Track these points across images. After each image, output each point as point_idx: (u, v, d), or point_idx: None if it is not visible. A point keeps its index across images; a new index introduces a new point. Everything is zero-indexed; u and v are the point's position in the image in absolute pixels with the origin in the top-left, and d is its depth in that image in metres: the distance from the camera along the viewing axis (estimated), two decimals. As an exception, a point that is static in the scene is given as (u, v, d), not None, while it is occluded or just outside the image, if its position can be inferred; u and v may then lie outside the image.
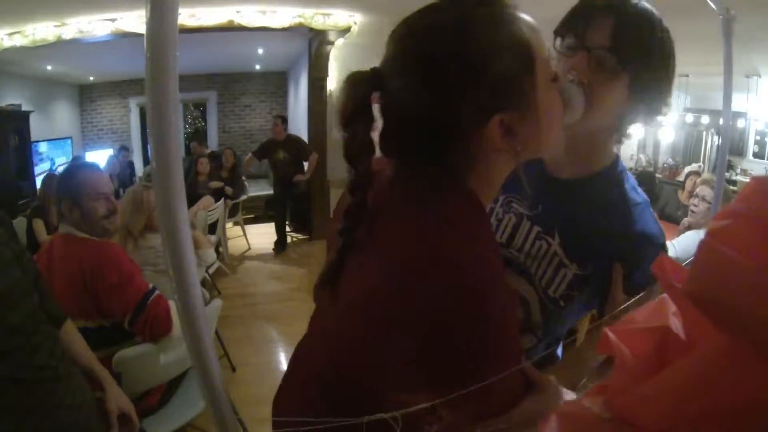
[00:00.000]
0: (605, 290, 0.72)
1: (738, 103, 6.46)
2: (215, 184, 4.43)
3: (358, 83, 0.53)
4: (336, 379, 0.53)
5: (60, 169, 5.18)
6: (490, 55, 0.48)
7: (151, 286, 1.49)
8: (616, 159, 0.80)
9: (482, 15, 0.49)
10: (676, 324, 0.40)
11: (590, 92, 0.67)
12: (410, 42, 0.52)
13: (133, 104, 7.64)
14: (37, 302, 0.93)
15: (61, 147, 6.41)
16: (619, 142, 0.79)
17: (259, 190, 6.42)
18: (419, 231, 0.50)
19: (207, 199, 3.79)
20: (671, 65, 0.74)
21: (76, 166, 1.72)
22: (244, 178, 5.28)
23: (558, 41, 0.75)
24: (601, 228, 0.73)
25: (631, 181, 0.78)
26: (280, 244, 4.73)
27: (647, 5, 0.72)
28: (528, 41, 0.50)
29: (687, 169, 5.45)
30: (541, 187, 0.75)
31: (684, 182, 3.93)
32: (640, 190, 0.78)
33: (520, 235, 0.80)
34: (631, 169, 6.19)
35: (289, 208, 4.91)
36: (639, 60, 0.68)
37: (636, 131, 5.89)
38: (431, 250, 0.48)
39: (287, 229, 4.97)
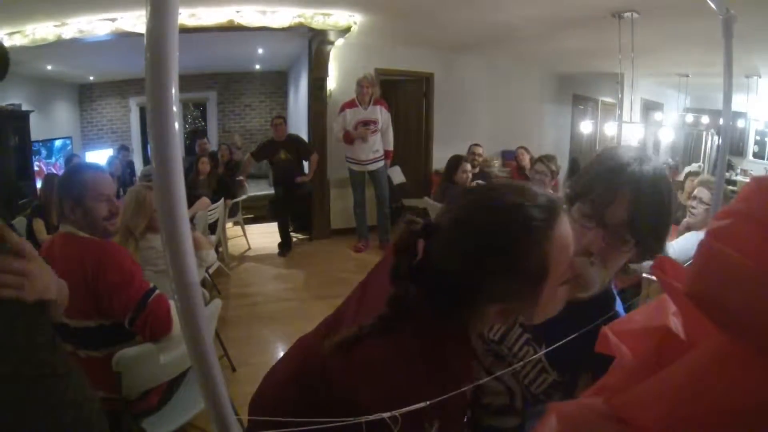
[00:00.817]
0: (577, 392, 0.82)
1: (738, 103, 6.46)
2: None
3: (412, 230, 0.66)
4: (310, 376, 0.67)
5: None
6: (512, 270, 0.60)
7: (151, 285, 1.48)
8: (609, 283, 0.87)
9: (525, 233, 0.60)
10: (676, 324, 0.40)
11: (600, 258, 0.76)
12: (463, 224, 0.64)
13: (133, 104, 7.64)
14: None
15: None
16: (615, 277, 0.87)
17: (259, 190, 6.42)
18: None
19: (203, 201, 3.79)
20: (672, 219, 0.81)
21: (79, 166, 1.72)
22: (242, 178, 5.28)
23: (576, 208, 0.80)
24: (584, 347, 0.77)
25: (618, 306, 0.86)
26: (285, 246, 4.71)
27: (660, 170, 0.78)
28: (548, 264, 0.60)
29: (686, 170, 5.45)
30: None
31: (683, 182, 3.92)
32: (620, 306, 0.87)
33: (511, 337, 0.90)
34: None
35: (292, 209, 4.90)
36: (649, 230, 0.76)
37: (636, 131, 5.89)
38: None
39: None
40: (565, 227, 0.64)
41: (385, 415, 0.58)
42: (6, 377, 0.79)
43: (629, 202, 0.74)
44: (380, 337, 0.64)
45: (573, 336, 0.79)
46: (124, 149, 6.53)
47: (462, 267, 0.62)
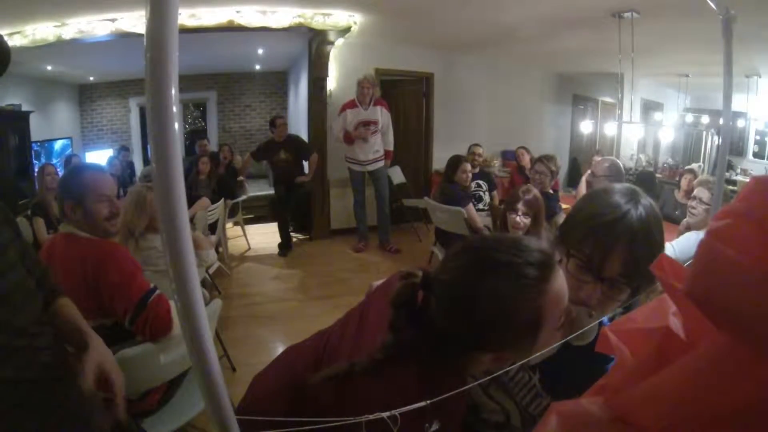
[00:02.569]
0: None
1: (738, 103, 6.46)
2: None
3: (411, 283, 0.69)
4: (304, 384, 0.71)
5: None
6: (505, 325, 0.63)
7: (152, 285, 1.48)
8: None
9: (517, 292, 0.62)
10: (676, 324, 0.40)
11: (599, 309, 0.79)
12: (456, 286, 0.66)
13: (133, 104, 7.64)
14: (41, 303, 0.93)
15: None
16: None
17: (259, 190, 6.42)
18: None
19: (203, 201, 3.79)
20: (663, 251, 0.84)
21: (80, 167, 1.72)
22: (243, 178, 5.28)
23: (572, 262, 0.81)
24: (579, 381, 0.79)
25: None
26: (285, 246, 4.70)
27: (650, 208, 0.79)
28: (540, 314, 0.62)
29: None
30: None
31: (679, 181, 3.92)
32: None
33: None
34: (631, 169, 6.20)
35: (292, 209, 4.90)
36: (644, 277, 0.77)
37: (636, 131, 5.87)
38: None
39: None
40: (559, 282, 0.66)
41: (385, 414, 0.58)
42: (8, 381, 0.79)
43: (625, 257, 0.75)
44: (371, 377, 0.66)
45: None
46: (124, 150, 6.53)
47: (456, 324, 0.66)
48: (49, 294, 1.04)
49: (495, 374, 0.87)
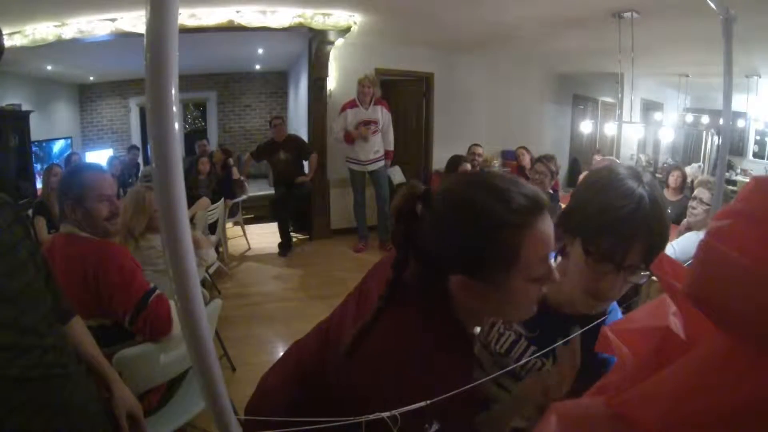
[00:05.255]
0: None
1: (738, 103, 6.46)
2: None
3: (414, 192, 0.70)
4: (313, 372, 0.75)
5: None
6: (482, 244, 0.64)
7: (152, 285, 1.48)
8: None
9: (505, 219, 0.63)
10: (676, 324, 0.40)
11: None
12: (449, 202, 0.68)
13: (133, 104, 7.64)
14: (50, 303, 0.93)
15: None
16: None
17: (259, 190, 6.42)
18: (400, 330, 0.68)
19: (203, 201, 3.79)
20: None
21: (80, 166, 1.72)
22: (243, 177, 5.28)
23: (591, 260, 0.79)
24: (590, 358, 0.81)
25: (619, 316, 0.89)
26: (285, 246, 4.70)
27: (655, 186, 0.79)
28: (519, 250, 0.63)
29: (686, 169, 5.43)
30: (541, 315, 0.85)
31: (667, 179, 3.91)
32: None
33: (517, 351, 0.93)
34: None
35: (292, 209, 4.89)
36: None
37: (636, 131, 5.86)
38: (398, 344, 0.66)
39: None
40: (547, 225, 0.66)
41: (385, 414, 0.58)
42: (15, 379, 0.79)
43: (646, 245, 0.74)
44: (380, 324, 0.67)
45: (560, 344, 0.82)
46: (134, 149, 6.51)
47: (440, 236, 0.67)
48: (63, 314, 1.05)
49: (506, 368, 0.89)
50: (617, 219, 0.75)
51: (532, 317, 0.85)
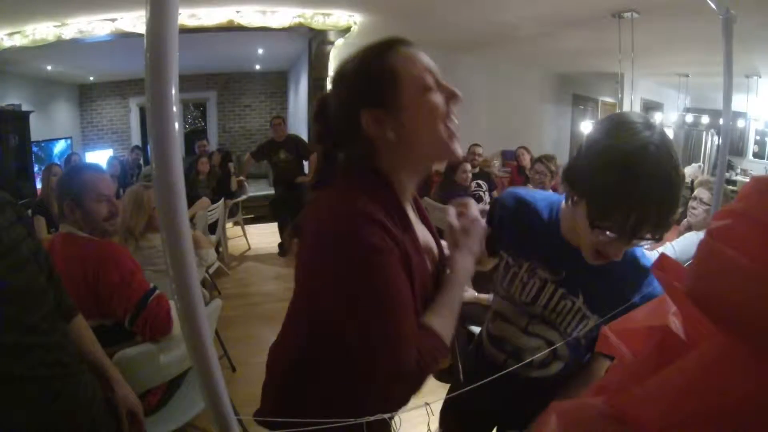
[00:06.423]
0: None
1: (738, 103, 6.46)
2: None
3: (320, 97, 0.80)
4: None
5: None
6: (360, 69, 0.73)
7: (151, 285, 1.48)
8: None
9: (370, 54, 0.73)
10: (676, 324, 0.40)
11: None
12: (335, 75, 0.77)
13: (133, 104, 7.64)
14: (53, 301, 0.93)
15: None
16: None
17: (259, 190, 6.42)
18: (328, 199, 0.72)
19: (203, 201, 3.79)
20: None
21: (79, 166, 1.71)
22: (243, 177, 5.28)
23: (597, 232, 0.80)
24: (620, 288, 0.89)
25: (638, 251, 0.91)
26: (285, 246, 4.70)
27: (667, 146, 0.77)
28: (394, 68, 0.71)
29: (686, 169, 5.44)
30: (565, 258, 0.92)
31: None
32: (647, 254, 0.93)
33: (545, 296, 0.96)
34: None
35: (292, 209, 4.89)
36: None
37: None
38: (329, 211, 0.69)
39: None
40: (410, 51, 0.74)
41: (386, 415, 0.58)
42: (18, 378, 0.79)
43: (656, 218, 0.73)
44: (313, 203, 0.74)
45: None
46: (137, 149, 6.51)
47: (340, 85, 0.76)
48: (66, 313, 1.06)
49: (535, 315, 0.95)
50: (627, 195, 0.73)
51: (554, 261, 0.93)
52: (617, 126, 0.78)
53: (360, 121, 0.71)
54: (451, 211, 0.86)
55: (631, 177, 0.72)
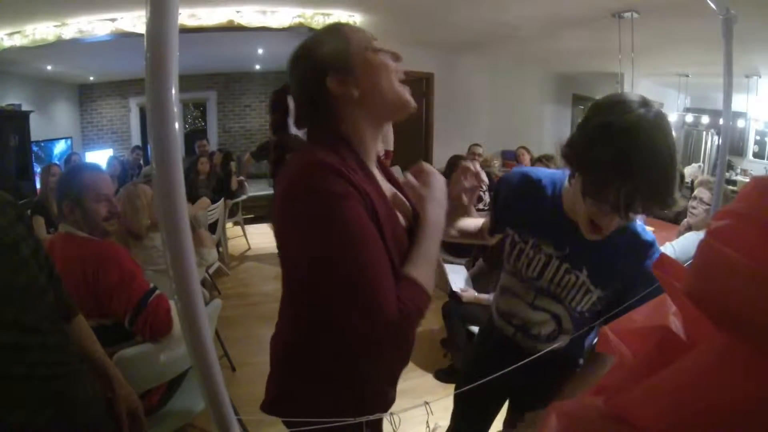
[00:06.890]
0: (620, 300, 0.93)
1: (738, 103, 6.46)
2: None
3: (275, 92, 0.90)
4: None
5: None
6: (318, 47, 0.80)
7: (151, 285, 1.48)
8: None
9: (323, 33, 0.83)
10: (676, 324, 0.40)
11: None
12: (292, 59, 0.85)
13: (133, 104, 7.63)
14: (53, 301, 0.93)
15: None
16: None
17: (259, 190, 6.41)
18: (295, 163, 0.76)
19: (203, 201, 3.79)
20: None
21: (78, 166, 1.72)
22: (243, 177, 5.27)
23: (593, 202, 0.83)
24: (621, 263, 0.92)
25: (637, 224, 0.95)
26: None
27: (662, 127, 0.82)
28: (343, 35, 0.80)
29: (686, 169, 5.43)
30: (568, 234, 0.95)
31: None
32: (647, 228, 0.96)
33: (550, 271, 1.00)
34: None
35: None
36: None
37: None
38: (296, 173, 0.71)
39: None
40: (353, 26, 0.84)
41: (385, 415, 0.58)
42: (18, 377, 0.79)
43: (648, 193, 0.76)
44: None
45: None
46: (137, 149, 6.51)
47: (299, 74, 0.83)
48: (66, 313, 1.06)
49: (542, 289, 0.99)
50: (623, 176, 0.75)
51: (558, 237, 0.97)
52: (614, 103, 0.80)
53: (326, 87, 0.77)
54: (408, 174, 0.90)
55: (623, 152, 0.75)
